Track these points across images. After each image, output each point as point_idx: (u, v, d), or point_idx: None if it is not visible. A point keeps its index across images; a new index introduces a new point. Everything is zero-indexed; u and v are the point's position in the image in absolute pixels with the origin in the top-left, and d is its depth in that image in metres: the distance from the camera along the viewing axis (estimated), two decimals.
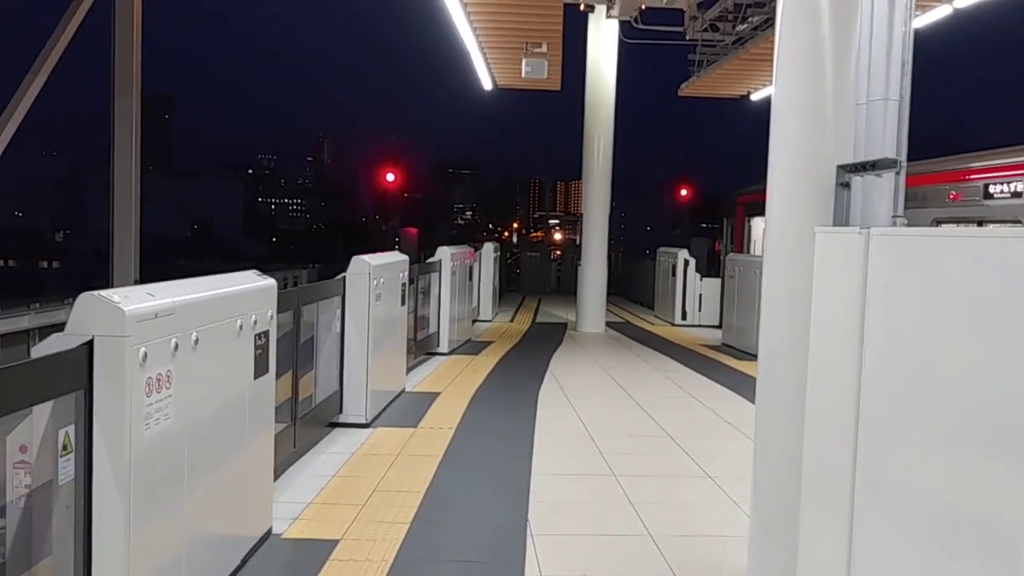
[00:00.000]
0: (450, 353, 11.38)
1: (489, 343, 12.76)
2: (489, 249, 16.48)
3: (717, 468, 6.15)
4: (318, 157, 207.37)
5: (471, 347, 12.22)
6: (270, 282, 4.55)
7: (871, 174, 3.39)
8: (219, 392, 3.84)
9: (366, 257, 7.20)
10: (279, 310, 5.70)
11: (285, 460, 5.79)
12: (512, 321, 16.47)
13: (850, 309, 3.09)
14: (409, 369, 9.64)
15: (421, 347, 10.63)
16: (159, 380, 3.16)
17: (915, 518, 2.63)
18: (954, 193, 9.58)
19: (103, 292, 2.99)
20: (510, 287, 25.56)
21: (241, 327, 4.04)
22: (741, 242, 17.26)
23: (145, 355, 3.03)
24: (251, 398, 4.23)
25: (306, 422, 6.23)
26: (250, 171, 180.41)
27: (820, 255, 3.46)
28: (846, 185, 3.58)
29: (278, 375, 5.99)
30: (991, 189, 9.09)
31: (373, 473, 5.82)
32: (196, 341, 3.49)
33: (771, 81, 4.15)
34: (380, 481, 5.65)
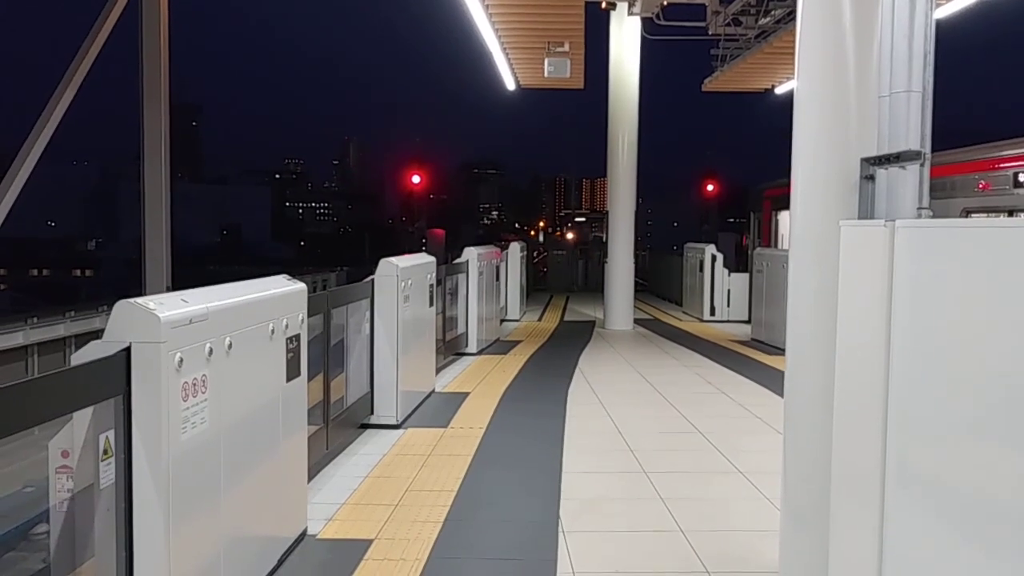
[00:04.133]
0: (479, 353, 11.43)
1: (517, 342, 12.80)
2: (515, 248, 16.51)
3: (748, 464, 6.15)
4: (344, 160, 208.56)
5: (500, 347, 12.26)
6: (300, 286, 4.61)
7: (895, 166, 3.39)
8: (253, 395, 3.91)
9: (394, 259, 7.27)
10: (309, 314, 5.80)
11: (319, 461, 5.86)
12: (540, 320, 16.50)
13: (877, 302, 3.08)
14: (439, 370, 9.71)
15: (450, 347, 10.70)
16: (194, 385, 3.23)
17: (947, 511, 2.63)
18: (984, 182, 9.49)
19: (139, 300, 3.06)
20: (537, 286, 25.61)
21: (273, 331, 4.11)
22: (768, 236, 17.17)
23: (181, 360, 3.10)
24: (284, 401, 4.30)
25: (338, 424, 6.30)
26: (277, 176, 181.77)
27: (845, 249, 3.45)
28: (870, 178, 3.58)
29: (310, 378, 6.09)
30: (1021, 178, 9.00)
31: (405, 473, 5.88)
32: (230, 346, 3.55)
33: (795, 74, 4.16)
34: (412, 481, 5.70)
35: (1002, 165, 9.37)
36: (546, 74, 12.77)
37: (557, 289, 24.66)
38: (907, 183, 3.42)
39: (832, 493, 3.46)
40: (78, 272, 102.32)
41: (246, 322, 3.80)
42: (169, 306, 3.12)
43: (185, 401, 3.15)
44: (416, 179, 29.49)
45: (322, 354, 5.96)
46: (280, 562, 4.25)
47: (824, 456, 3.60)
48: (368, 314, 7.07)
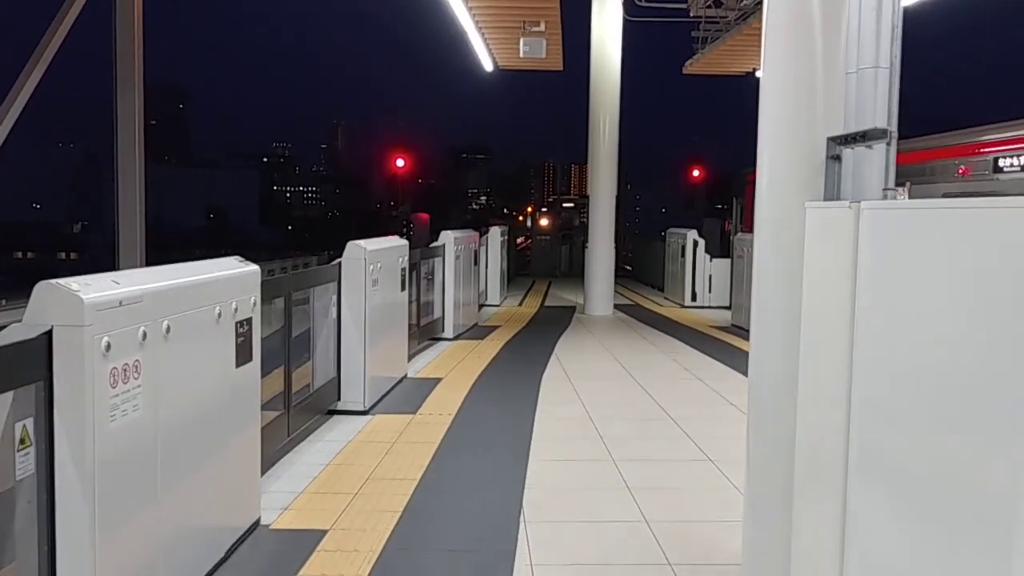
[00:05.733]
0: (455, 338, 11.29)
1: (495, 328, 12.66)
2: (496, 233, 16.35)
3: (718, 451, 6.04)
4: (332, 144, 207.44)
5: (477, 332, 12.12)
6: (252, 268, 4.45)
7: (861, 146, 3.25)
8: (196, 382, 3.76)
9: (362, 242, 7.11)
10: (268, 297, 5.65)
11: (280, 448, 5.72)
12: (520, 305, 16.36)
13: (841, 286, 2.98)
14: (413, 355, 9.57)
15: (425, 332, 10.55)
16: (125, 370, 3.07)
17: (909, 499, 2.51)
18: (963, 168, 9.38)
19: (61, 280, 2.90)
20: (522, 271, 25.49)
21: (220, 314, 3.95)
22: (750, 222, 17.04)
23: (108, 344, 2.94)
24: (233, 387, 4.15)
25: (301, 410, 6.16)
26: (265, 160, 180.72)
27: (811, 231, 3.35)
28: (836, 158, 3.45)
29: (271, 364, 5.95)
30: (1001, 163, 8.89)
31: (368, 461, 5.74)
32: (168, 329, 3.40)
33: (761, 51, 4.02)
34: (375, 469, 5.56)
35: (982, 150, 9.26)
36: (521, 54, 12.55)
37: (540, 274, 24.53)
38: (873, 163, 3.29)
39: (795, 481, 3.35)
40: (63, 255, 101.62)
41: (188, 305, 3.64)
42: (96, 287, 2.97)
43: (114, 388, 3.00)
44: (400, 163, 29.27)
45: (283, 338, 5.82)
46: (228, 554, 4.11)
47: (787, 444, 3.53)
48: (335, 298, 6.91)
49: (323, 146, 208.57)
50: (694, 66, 15.52)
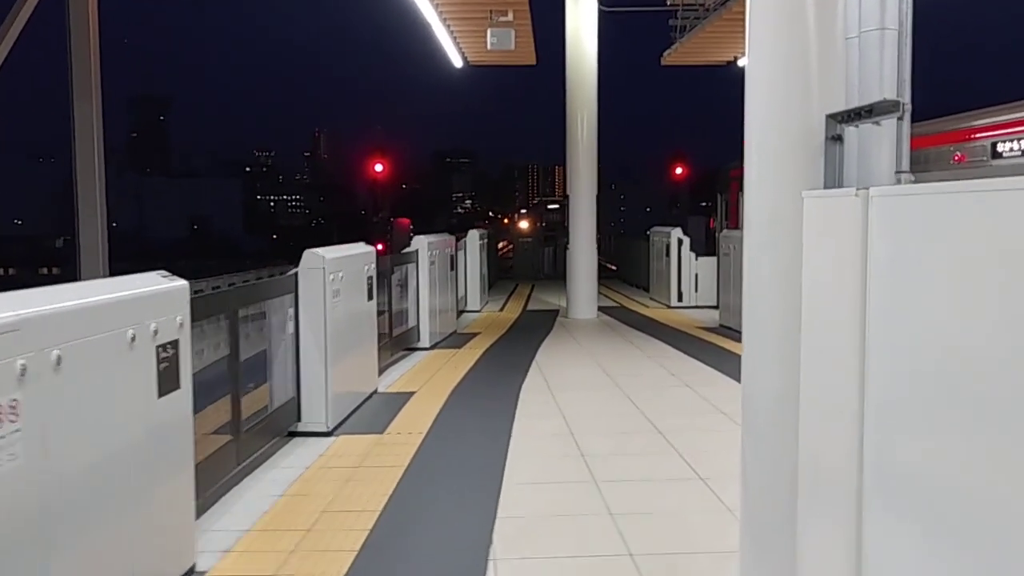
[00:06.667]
0: (432, 347, 10.78)
1: (475, 335, 12.14)
2: (475, 236, 15.85)
3: (710, 467, 5.54)
4: (315, 152, 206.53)
5: (455, 340, 11.61)
6: (178, 284, 3.93)
7: (868, 122, 2.76)
8: (103, 418, 3.23)
9: (320, 250, 6.58)
10: (208, 315, 5.13)
11: (228, 480, 5.20)
12: (502, 310, 15.84)
13: (849, 284, 2.53)
14: (385, 367, 9.07)
15: (399, 343, 10.03)
16: None
17: (938, 522, 2.14)
18: (959, 154, 8.94)
19: None
20: (505, 274, 25.01)
21: (134, 338, 3.43)
22: (736, 218, 16.59)
23: None
24: (155, 420, 3.63)
25: (254, 434, 5.64)
26: (248, 169, 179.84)
27: (810, 224, 2.89)
28: (838, 138, 2.96)
29: (220, 389, 5.43)
30: (1000, 148, 8.44)
31: (326, 490, 5.22)
32: (59, 360, 2.88)
33: (746, 22, 3.55)
34: (332, 500, 5.04)
35: (978, 135, 8.82)
36: (489, 46, 12.00)
37: (524, 277, 24.03)
38: (882, 142, 2.80)
39: (799, 503, 2.96)
40: (44, 270, 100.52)
41: (89, 329, 3.12)
42: None
43: None
44: (379, 167, 28.71)
45: (230, 358, 5.30)
46: None
47: (789, 461, 3.08)
48: (292, 311, 6.39)
49: (306, 154, 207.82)
50: (672, 56, 15.00)
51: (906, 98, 2.61)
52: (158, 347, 3.65)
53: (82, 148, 12.79)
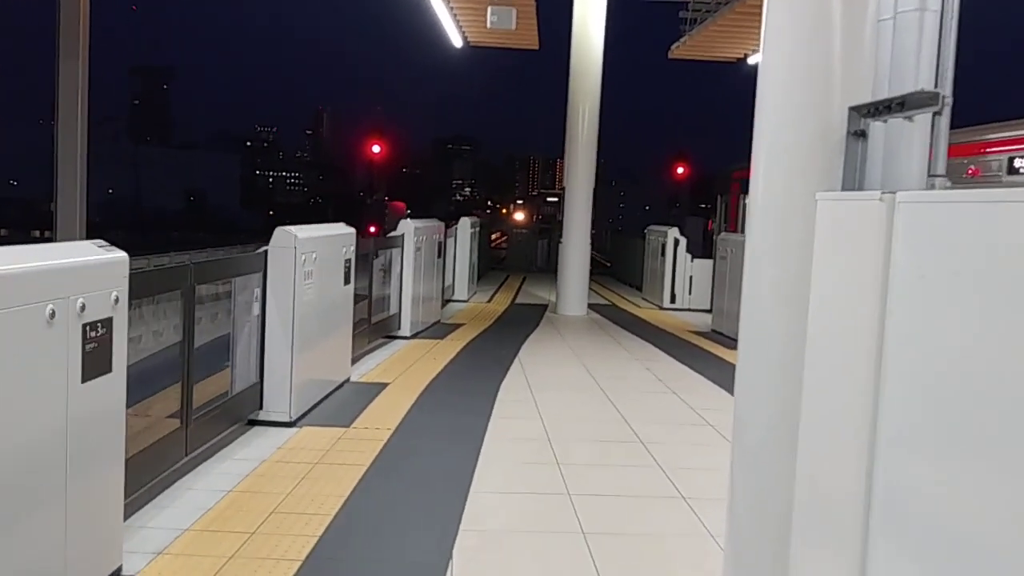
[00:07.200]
0: (412, 337, 10.39)
1: (459, 326, 11.75)
2: (466, 224, 15.44)
3: (693, 486, 5.17)
4: (317, 130, 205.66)
5: (438, 330, 11.22)
6: (115, 256, 3.54)
7: (898, 116, 2.38)
8: (11, 404, 2.85)
9: (293, 228, 6.19)
10: (165, 290, 4.76)
11: (175, 471, 4.83)
12: (489, 302, 15.45)
13: (867, 300, 2.24)
14: (361, 355, 8.71)
15: (378, 330, 9.64)
16: None
17: (958, 565, 1.89)
18: (973, 168, 8.58)
19: None
20: (498, 265, 24.64)
21: (53, 315, 3.04)
22: (735, 221, 16.22)
23: None
24: (77, 407, 3.24)
25: (207, 422, 5.26)
26: (248, 144, 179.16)
27: (824, 230, 2.54)
28: (861, 134, 2.58)
29: (175, 371, 5.06)
30: (1016, 163, 8.08)
31: (279, 488, 4.84)
32: None
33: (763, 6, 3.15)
34: (284, 499, 4.67)
35: (993, 150, 8.45)
36: (489, 24, 11.56)
37: (516, 269, 23.65)
38: (913, 140, 2.42)
39: (793, 532, 2.71)
40: (37, 233, 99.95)
41: None
42: None
43: None
44: (376, 148, 28.28)
45: (183, 338, 4.92)
46: None
47: (783, 484, 2.83)
48: (258, 292, 6.00)
49: (308, 132, 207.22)
50: (681, 49, 14.55)
51: (947, 91, 2.23)
52: (85, 326, 3.26)
53: (65, 109, 12.35)
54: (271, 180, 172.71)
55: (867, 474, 2.25)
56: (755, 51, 13.81)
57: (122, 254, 3.58)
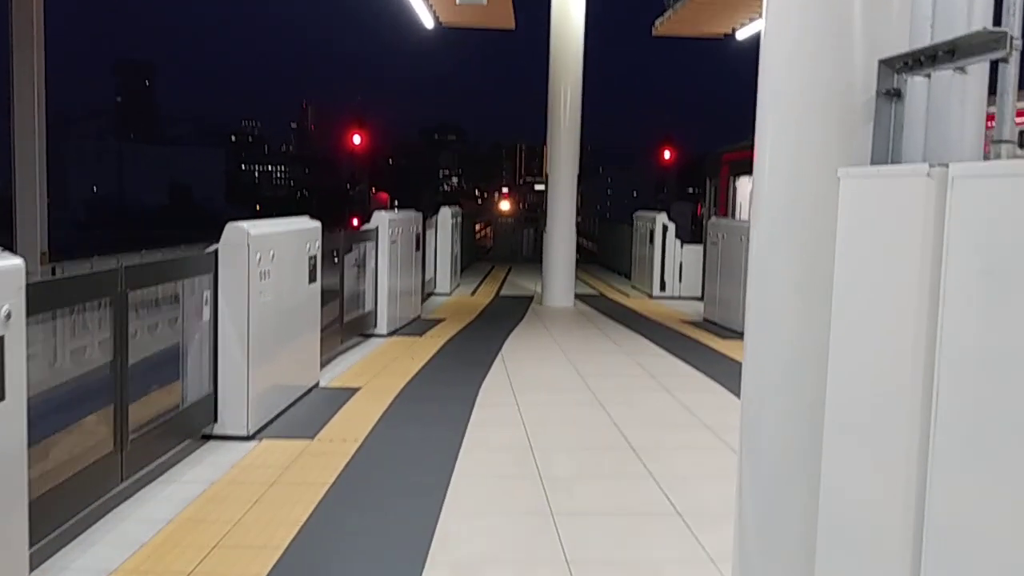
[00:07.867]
0: (390, 334, 9.87)
1: (439, 321, 11.22)
2: (447, 214, 14.88)
3: (690, 499, 4.66)
4: (302, 123, 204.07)
5: (417, 326, 10.69)
6: (9, 263, 3.01)
7: (946, 67, 1.85)
8: None
9: (245, 224, 5.64)
10: (95, 295, 4.23)
11: (107, 501, 4.29)
12: (473, 294, 14.92)
13: (909, 296, 1.81)
14: (333, 356, 8.19)
15: (352, 328, 9.10)
16: None
17: None
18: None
19: None
20: (483, 255, 24.13)
21: None
22: (726, 205, 15.70)
23: None
24: None
25: (149, 442, 4.73)
26: (233, 138, 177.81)
27: (850, 212, 2.04)
28: (895, 94, 2.05)
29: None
30: None
31: (228, 515, 4.32)
32: None
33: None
34: (232, 528, 4.14)
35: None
36: (458, 0, 10.98)
37: (501, 259, 23.11)
38: (967, 99, 1.90)
39: (819, 558, 2.37)
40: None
41: None
42: None
43: None
44: (356, 139, 27.68)
45: (115, 350, 4.38)
46: None
47: (802, 504, 2.49)
48: (208, 295, 5.46)
49: (292, 125, 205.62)
50: (665, 25, 13.97)
51: (1016, 30, 1.71)
52: None
53: (21, 102, 11.74)
54: (257, 174, 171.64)
55: (915, 486, 1.87)
56: (743, 24, 13.25)
57: (17, 261, 3.05)
